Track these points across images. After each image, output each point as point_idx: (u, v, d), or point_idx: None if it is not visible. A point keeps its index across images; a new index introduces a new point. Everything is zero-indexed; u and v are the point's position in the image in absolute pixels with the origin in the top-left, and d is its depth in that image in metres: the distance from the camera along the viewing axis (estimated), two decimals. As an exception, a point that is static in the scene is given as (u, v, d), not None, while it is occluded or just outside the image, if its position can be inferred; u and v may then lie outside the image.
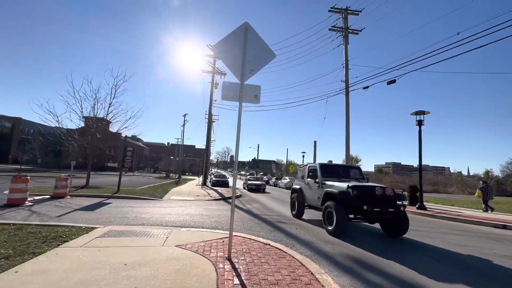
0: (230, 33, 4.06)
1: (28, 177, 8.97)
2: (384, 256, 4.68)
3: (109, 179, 24.78)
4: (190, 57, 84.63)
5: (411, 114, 12.73)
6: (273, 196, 18.33)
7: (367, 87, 21.19)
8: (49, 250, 3.78)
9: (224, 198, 14.22)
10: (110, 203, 10.33)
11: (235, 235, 5.27)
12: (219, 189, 21.05)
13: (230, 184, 29.20)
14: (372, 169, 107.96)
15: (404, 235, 6.42)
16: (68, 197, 11.33)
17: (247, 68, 4.04)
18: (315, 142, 36.16)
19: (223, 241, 4.73)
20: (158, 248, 4.14)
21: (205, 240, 4.74)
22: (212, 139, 45.36)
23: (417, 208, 11.99)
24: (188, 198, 13.23)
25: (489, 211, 12.32)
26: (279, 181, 33.22)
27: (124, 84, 15.75)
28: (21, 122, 60.50)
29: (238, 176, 69.91)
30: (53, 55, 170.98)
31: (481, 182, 14.07)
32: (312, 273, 3.35)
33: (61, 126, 14.20)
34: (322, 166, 7.81)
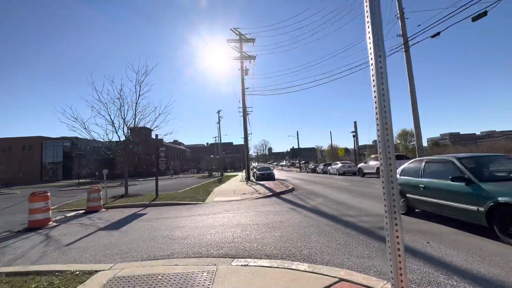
0: None
1: (48, 194, 7.57)
2: None
3: (153, 184, 24.38)
4: (216, 48, 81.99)
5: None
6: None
7: (438, 33, 16.20)
8: None
9: (275, 194, 11.72)
10: (145, 214, 8.62)
11: (340, 280, 2.59)
12: (265, 183, 18.66)
13: (276, 176, 26.67)
14: (425, 143, 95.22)
15: None
16: (103, 210, 10.04)
17: None
18: (355, 122, 34.54)
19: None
20: None
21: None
22: (248, 132, 43.46)
23: None
24: (234, 198, 11.05)
25: None
26: (329, 167, 29.48)
27: (147, 79, 14.16)
28: (77, 140, 66.83)
29: (280, 167, 66.79)
30: (74, 60, 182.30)
31: None
32: None
33: (90, 134, 13.26)
34: None
